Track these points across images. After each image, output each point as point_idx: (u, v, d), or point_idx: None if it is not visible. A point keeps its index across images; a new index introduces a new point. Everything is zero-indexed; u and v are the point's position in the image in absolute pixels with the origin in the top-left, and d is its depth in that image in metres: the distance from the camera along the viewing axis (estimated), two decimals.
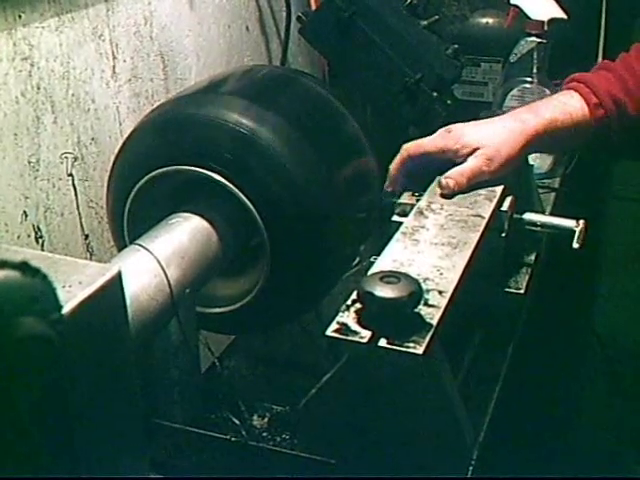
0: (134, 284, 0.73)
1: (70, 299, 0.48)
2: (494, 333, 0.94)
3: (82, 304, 0.49)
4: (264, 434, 0.82)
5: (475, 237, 0.80)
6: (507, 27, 1.47)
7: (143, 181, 0.86)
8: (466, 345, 0.90)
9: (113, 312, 0.53)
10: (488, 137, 0.92)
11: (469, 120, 0.96)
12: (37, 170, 0.89)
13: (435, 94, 1.17)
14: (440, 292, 0.71)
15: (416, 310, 0.67)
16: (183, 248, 0.81)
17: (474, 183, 0.90)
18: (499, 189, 0.90)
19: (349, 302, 0.69)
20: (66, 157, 0.93)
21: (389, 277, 0.67)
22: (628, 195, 1.96)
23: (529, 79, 1.35)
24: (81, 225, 0.97)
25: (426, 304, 0.68)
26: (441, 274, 0.74)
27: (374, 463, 0.71)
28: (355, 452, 0.71)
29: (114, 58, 1.01)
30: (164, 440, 0.80)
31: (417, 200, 0.90)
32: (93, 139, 0.98)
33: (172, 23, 1.14)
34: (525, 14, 1.38)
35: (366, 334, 0.66)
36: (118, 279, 0.53)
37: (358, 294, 0.68)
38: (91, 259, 0.99)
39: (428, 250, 0.78)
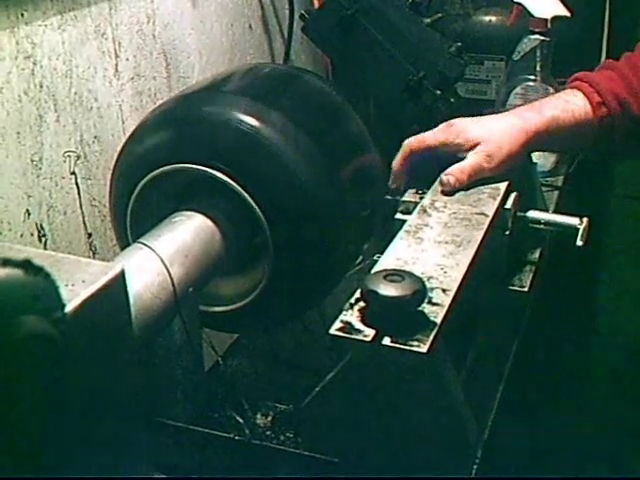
0: (137, 283, 0.73)
1: (73, 298, 0.48)
2: (498, 331, 0.93)
3: (85, 303, 0.49)
4: (267, 433, 0.82)
5: (479, 235, 0.80)
6: (510, 25, 1.47)
7: (146, 179, 0.86)
8: (470, 343, 0.90)
9: (116, 311, 0.53)
10: (489, 133, 0.92)
11: None
12: (40, 168, 0.89)
13: (438, 92, 1.17)
14: (444, 290, 0.71)
15: (420, 308, 0.67)
16: (186, 246, 0.81)
17: (475, 180, 0.90)
18: (503, 187, 0.90)
19: (353, 300, 0.69)
20: (69, 155, 0.93)
21: (393, 275, 0.67)
22: (630, 193, 1.96)
23: (532, 77, 1.35)
24: (84, 223, 0.97)
25: (430, 302, 0.68)
26: (445, 272, 0.74)
27: (377, 462, 0.71)
28: (358, 451, 0.71)
29: (117, 56, 1.01)
30: (167, 439, 0.79)
31: (420, 198, 0.90)
32: (96, 137, 0.98)
33: (175, 21, 1.14)
34: (528, 12, 1.37)
35: (370, 333, 0.65)
36: (121, 277, 0.52)
37: (362, 292, 0.67)
38: (94, 257, 0.99)
39: (432, 248, 0.78)
